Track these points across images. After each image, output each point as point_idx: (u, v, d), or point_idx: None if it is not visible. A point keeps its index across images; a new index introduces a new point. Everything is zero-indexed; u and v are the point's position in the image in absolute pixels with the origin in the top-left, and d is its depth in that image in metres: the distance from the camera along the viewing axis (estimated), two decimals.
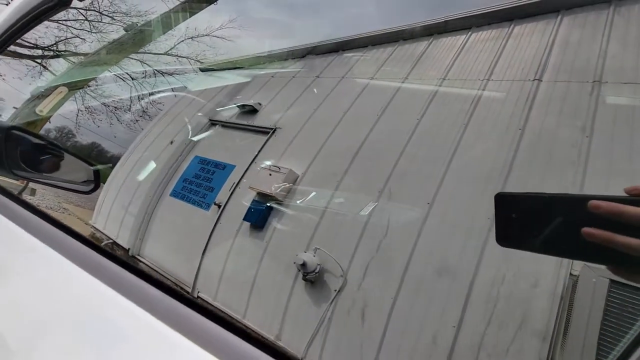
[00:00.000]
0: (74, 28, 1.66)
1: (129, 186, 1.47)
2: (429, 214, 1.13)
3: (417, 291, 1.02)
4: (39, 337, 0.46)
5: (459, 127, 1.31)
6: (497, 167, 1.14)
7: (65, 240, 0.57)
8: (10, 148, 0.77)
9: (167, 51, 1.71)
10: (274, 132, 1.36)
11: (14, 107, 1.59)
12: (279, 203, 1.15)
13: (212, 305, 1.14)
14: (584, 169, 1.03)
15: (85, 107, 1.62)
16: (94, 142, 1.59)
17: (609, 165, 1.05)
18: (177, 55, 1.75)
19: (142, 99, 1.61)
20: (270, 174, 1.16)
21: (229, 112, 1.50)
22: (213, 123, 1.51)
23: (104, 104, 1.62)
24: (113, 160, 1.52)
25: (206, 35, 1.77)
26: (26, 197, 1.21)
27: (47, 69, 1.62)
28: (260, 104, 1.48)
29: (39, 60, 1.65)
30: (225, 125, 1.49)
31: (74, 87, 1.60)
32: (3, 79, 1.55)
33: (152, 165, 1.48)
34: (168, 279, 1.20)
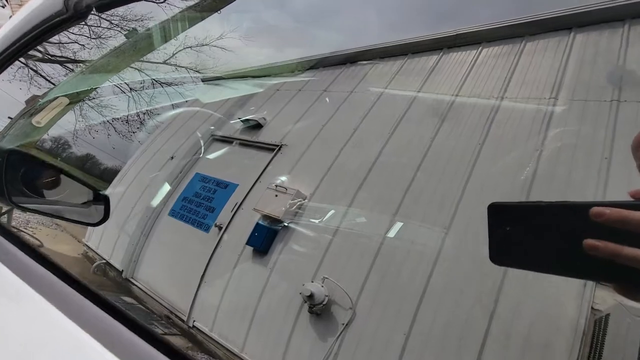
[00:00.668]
0: (87, 43, 1.56)
1: (125, 203, 1.40)
2: (445, 240, 1.06)
3: (431, 327, 0.95)
4: None
5: (474, 147, 1.25)
6: (516, 189, 1.07)
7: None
8: (10, 174, 0.70)
9: (168, 60, 1.66)
10: (279, 149, 1.29)
11: (9, 117, 1.53)
12: (285, 226, 1.08)
13: (208, 336, 1.05)
14: (603, 191, 0.97)
15: (85, 119, 1.56)
16: (89, 153, 1.53)
17: (628, 186, 0.99)
18: (178, 65, 1.70)
19: (142, 111, 1.55)
20: (276, 195, 1.09)
21: (232, 126, 1.44)
22: (215, 138, 1.45)
23: (105, 116, 1.56)
24: (110, 175, 1.45)
25: (208, 44, 1.73)
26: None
27: (45, 77, 1.56)
28: (265, 119, 1.42)
29: (37, 68, 1.59)
30: (228, 140, 1.42)
31: (73, 97, 1.54)
32: None
33: (151, 181, 1.41)
34: (162, 305, 1.12)
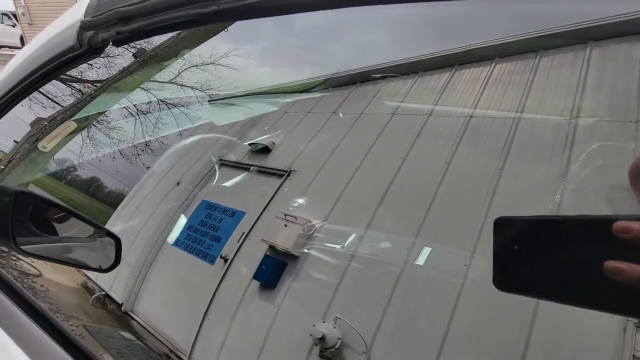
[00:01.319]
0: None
1: (129, 231, 1.35)
2: (467, 274, 0.98)
3: None
4: None
5: (493, 172, 1.19)
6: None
7: None
8: (18, 217, 0.65)
9: (176, 81, 1.64)
10: (288, 174, 1.24)
11: (15, 141, 1.52)
12: (295, 259, 1.01)
13: None
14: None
15: (92, 143, 1.54)
16: (94, 176, 1.50)
17: None
18: (186, 86, 1.68)
19: (150, 134, 1.53)
20: (285, 225, 1.03)
21: (240, 150, 1.40)
22: (223, 163, 1.41)
23: (112, 140, 1.53)
24: (115, 200, 1.41)
25: (213, 63, 1.71)
26: None
27: (50, 97, 1.55)
28: (273, 143, 1.38)
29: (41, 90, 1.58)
30: (236, 165, 1.38)
31: (80, 120, 1.52)
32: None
33: (156, 209, 1.36)
34: (162, 342, 1.05)
